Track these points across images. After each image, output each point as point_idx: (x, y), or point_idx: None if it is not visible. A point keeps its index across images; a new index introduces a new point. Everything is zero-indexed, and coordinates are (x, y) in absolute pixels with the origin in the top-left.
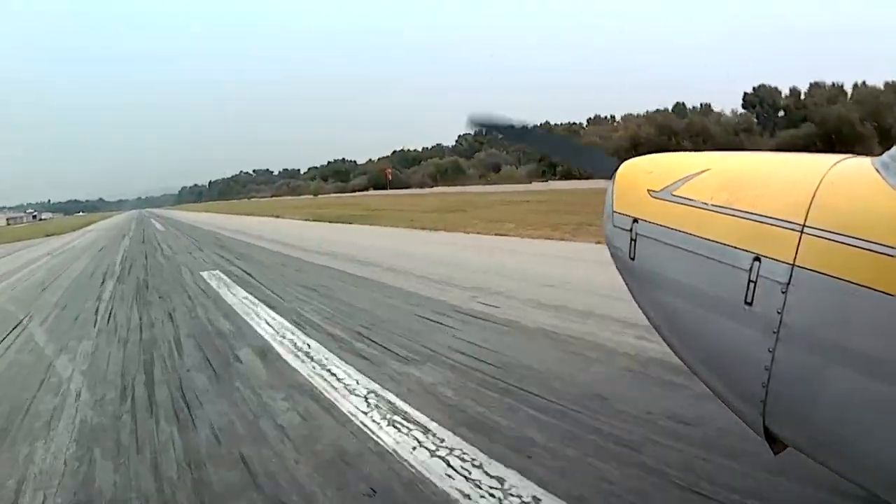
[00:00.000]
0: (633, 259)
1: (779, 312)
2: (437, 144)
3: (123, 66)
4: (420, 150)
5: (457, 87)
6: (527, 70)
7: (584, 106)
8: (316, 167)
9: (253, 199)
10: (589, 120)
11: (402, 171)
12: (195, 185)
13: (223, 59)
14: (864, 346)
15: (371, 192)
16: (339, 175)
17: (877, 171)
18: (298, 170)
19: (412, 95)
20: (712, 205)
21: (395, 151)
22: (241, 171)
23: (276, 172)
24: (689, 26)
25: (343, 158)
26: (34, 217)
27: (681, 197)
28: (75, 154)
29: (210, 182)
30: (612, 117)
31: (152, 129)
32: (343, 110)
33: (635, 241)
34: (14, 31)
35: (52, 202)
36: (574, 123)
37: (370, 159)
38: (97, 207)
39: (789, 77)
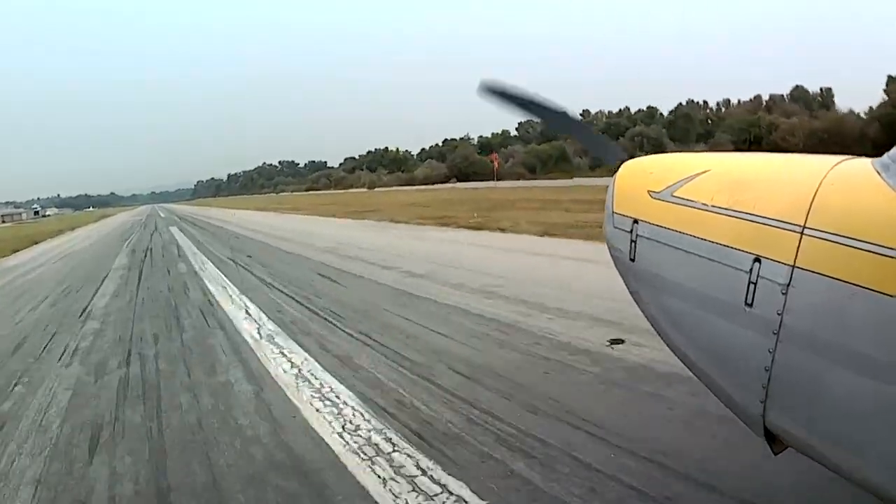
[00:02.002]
0: (633, 260)
1: (779, 313)
2: (504, 130)
3: (136, 61)
4: (489, 136)
5: (465, 83)
6: (527, 65)
7: (584, 102)
8: (353, 157)
9: (283, 194)
10: (679, 105)
11: (468, 157)
12: (212, 178)
13: (234, 55)
14: (864, 348)
15: (458, 184)
16: (394, 164)
17: (877, 172)
18: (325, 162)
19: (430, 92)
20: (712, 206)
21: (445, 140)
22: (264, 163)
23: (301, 165)
24: (687, 23)
25: (386, 147)
26: (36, 213)
27: (681, 198)
28: (88, 149)
29: (229, 175)
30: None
31: (165, 123)
32: (358, 105)
33: (636, 242)
34: (24, 28)
35: (61, 197)
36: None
37: (416, 148)
38: (109, 202)
39: (784, 73)
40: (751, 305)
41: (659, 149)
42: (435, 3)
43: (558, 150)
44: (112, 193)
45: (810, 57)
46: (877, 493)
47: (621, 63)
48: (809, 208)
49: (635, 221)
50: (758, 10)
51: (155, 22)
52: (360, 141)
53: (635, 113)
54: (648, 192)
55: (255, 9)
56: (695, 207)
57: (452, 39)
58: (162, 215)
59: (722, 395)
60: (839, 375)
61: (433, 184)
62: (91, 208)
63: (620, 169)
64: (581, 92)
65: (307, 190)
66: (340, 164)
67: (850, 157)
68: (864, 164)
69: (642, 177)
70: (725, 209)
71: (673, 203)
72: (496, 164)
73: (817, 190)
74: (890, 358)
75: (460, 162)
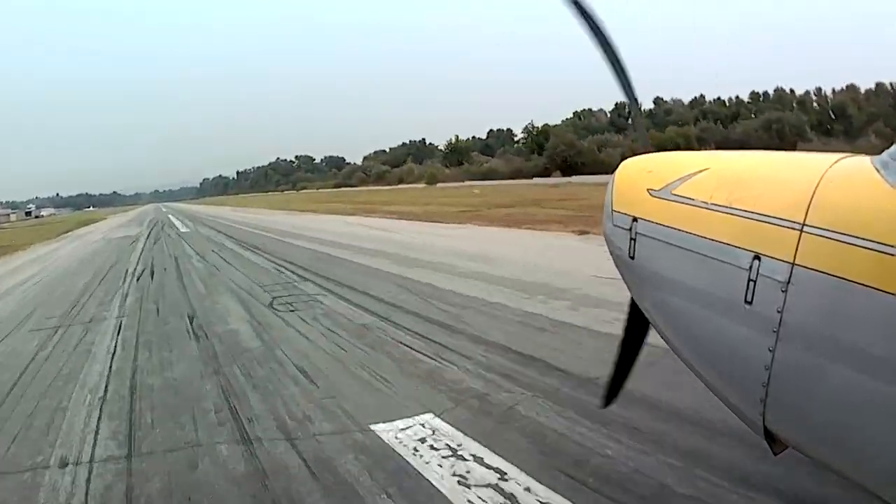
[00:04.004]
0: (632, 258)
1: (779, 311)
2: (585, 110)
3: (136, 61)
4: (563, 121)
5: (469, 81)
6: (526, 64)
7: (584, 100)
8: (383, 150)
9: (307, 192)
10: (765, 94)
11: (574, 144)
12: (220, 175)
13: (234, 54)
14: (864, 345)
15: (575, 178)
16: (453, 156)
17: (876, 169)
18: (343, 157)
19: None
20: (712, 204)
21: (491, 131)
22: (278, 159)
23: (318, 160)
24: (686, 22)
25: (423, 139)
26: (28, 214)
27: (681, 196)
28: (88, 148)
29: (238, 172)
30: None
31: (166, 122)
32: (367, 102)
33: (635, 240)
34: (24, 28)
35: (61, 196)
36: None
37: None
38: (111, 201)
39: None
40: (750, 303)
41: (801, 138)
42: (434, 3)
43: (684, 137)
44: (114, 192)
45: (798, 56)
46: (877, 492)
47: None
48: (809, 206)
49: (634, 220)
50: (750, 10)
51: (155, 22)
52: (376, 138)
53: (732, 102)
54: (648, 190)
55: (256, 8)
56: (694, 205)
57: (453, 39)
58: (182, 227)
59: (721, 394)
60: (839, 374)
61: (529, 177)
62: (91, 207)
63: (619, 167)
64: (581, 92)
65: (336, 187)
66: (366, 158)
67: (849, 154)
68: (864, 161)
69: (641, 175)
70: (725, 207)
71: (672, 201)
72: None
73: (817, 187)
74: (890, 356)
75: (564, 151)
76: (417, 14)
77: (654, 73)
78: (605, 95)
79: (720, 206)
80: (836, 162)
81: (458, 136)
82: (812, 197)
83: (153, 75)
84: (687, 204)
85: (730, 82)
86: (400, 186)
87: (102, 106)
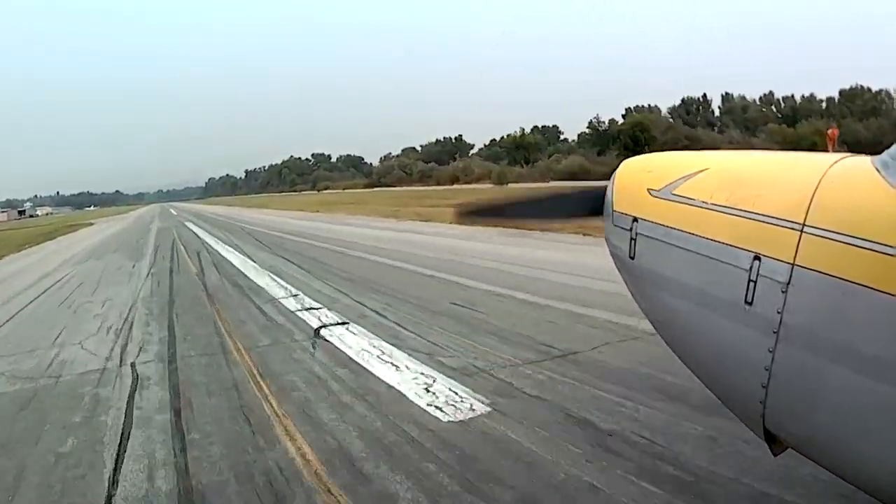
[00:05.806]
0: (632, 258)
1: (779, 312)
2: (639, 106)
3: (138, 60)
4: (624, 111)
5: (469, 81)
6: (526, 65)
7: (585, 101)
8: (414, 149)
9: (326, 192)
10: (842, 92)
11: (698, 138)
12: (227, 175)
13: (235, 54)
14: (865, 346)
15: None
16: (518, 153)
17: (876, 170)
18: (362, 157)
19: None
20: (712, 204)
21: (535, 128)
22: (292, 157)
23: (334, 158)
24: (688, 23)
25: (459, 136)
26: (21, 213)
27: (681, 196)
28: (90, 148)
29: (247, 171)
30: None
31: (170, 122)
32: (370, 102)
33: (635, 240)
34: (27, 26)
35: (61, 195)
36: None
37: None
38: (113, 201)
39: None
40: (750, 304)
41: None
42: (434, 3)
43: (819, 134)
44: (117, 192)
45: (798, 56)
46: (877, 494)
47: (614, 62)
48: (809, 206)
49: (635, 220)
50: (750, 10)
51: (155, 22)
52: (376, 138)
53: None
54: (648, 190)
55: (256, 8)
56: (694, 205)
57: (453, 39)
58: (278, 290)
59: (721, 395)
60: (839, 375)
61: None
62: (92, 207)
63: (620, 167)
64: (581, 92)
65: (368, 187)
66: (396, 155)
67: (849, 154)
68: (864, 161)
69: (642, 175)
70: (725, 207)
71: (672, 201)
72: (832, 145)
73: (817, 188)
74: (890, 357)
75: (687, 146)
76: (417, 14)
77: (655, 74)
78: (606, 95)
79: (720, 206)
80: (836, 162)
81: (523, 130)
82: (812, 197)
83: (153, 75)
84: (687, 204)
85: (732, 82)
86: (455, 187)
87: (102, 106)
